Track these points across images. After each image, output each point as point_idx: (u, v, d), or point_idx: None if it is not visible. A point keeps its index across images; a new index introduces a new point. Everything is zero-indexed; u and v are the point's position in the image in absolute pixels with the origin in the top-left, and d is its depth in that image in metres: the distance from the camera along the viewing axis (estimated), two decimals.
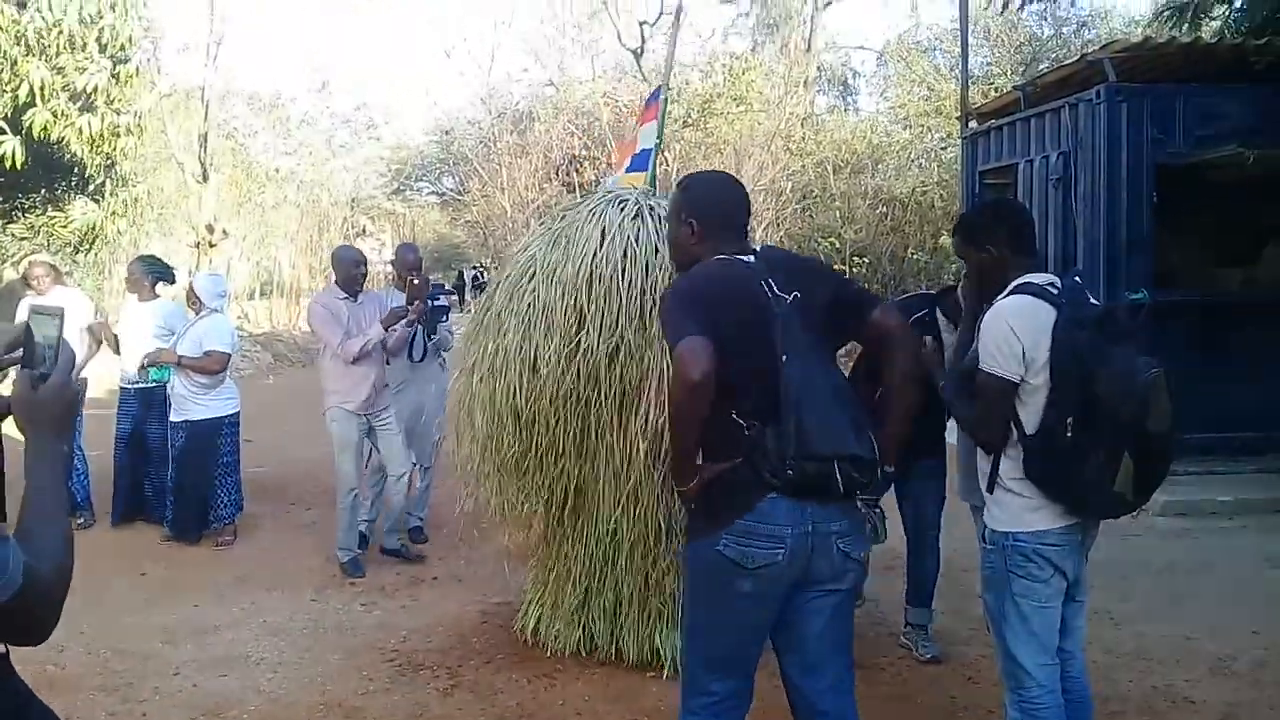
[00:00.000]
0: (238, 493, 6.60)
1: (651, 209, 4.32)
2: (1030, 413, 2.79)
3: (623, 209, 4.30)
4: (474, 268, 36.43)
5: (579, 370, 4.00)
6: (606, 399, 4.01)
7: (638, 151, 5.37)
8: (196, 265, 18.23)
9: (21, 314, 6.95)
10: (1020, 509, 2.85)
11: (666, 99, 5.20)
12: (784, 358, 2.48)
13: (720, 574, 2.54)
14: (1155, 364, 2.70)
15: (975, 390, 2.88)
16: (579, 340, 4.02)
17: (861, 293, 2.87)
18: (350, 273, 5.94)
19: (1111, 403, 2.65)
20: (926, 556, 4.55)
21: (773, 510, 2.49)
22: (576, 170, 20.88)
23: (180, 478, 6.41)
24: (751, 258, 2.67)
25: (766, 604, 2.58)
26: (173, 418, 6.43)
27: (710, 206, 2.78)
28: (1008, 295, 2.90)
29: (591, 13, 23.55)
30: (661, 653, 4.27)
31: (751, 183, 18.12)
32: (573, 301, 4.07)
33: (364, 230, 32.54)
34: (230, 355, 6.48)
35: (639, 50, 21.38)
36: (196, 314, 6.47)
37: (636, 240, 4.16)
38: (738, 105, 18.74)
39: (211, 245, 18.88)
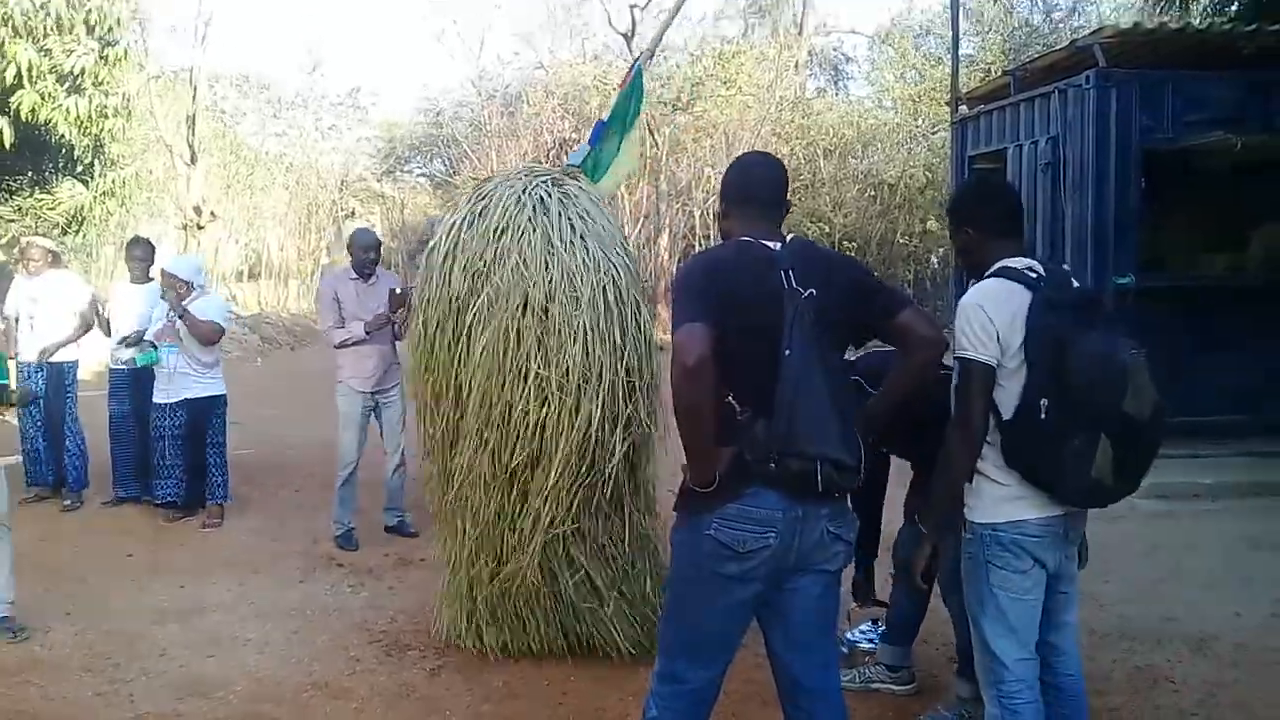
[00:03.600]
0: (226, 475, 6.60)
1: (551, 195, 4.13)
2: (1007, 397, 2.77)
3: (521, 195, 4.13)
4: None
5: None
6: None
7: (595, 124, 5.10)
8: (184, 247, 18.16)
9: (13, 295, 6.94)
10: (999, 498, 2.83)
11: (640, 71, 4.93)
12: (787, 351, 2.46)
13: (708, 557, 2.54)
14: (1136, 347, 2.69)
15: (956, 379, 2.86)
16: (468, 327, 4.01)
17: (886, 294, 2.74)
18: (360, 257, 6.11)
19: (1086, 385, 2.64)
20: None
21: (764, 496, 2.49)
22: (566, 153, 20.84)
23: (185, 455, 6.43)
24: (778, 245, 2.62)
25: (753, 588, 2.58)
26: (166, 399, 6.38)
27: (739, 186, 2.75)
28: (986, 279, 2.91)
29: None
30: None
31: None
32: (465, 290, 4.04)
33: (353, 212, 32.38)
34: (224, 330, 6.50)
35: (629, 34, 21.29)
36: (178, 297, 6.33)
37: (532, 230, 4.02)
38: (727, 89, 18.69)
39: (200, 227, 18.78)
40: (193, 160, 18.98)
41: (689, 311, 2.44)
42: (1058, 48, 9.07)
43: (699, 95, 18.92)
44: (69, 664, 4.31)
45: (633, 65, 5.14)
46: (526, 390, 3.88)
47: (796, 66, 20.48)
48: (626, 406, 3.94)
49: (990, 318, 2.75)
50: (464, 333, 4.02)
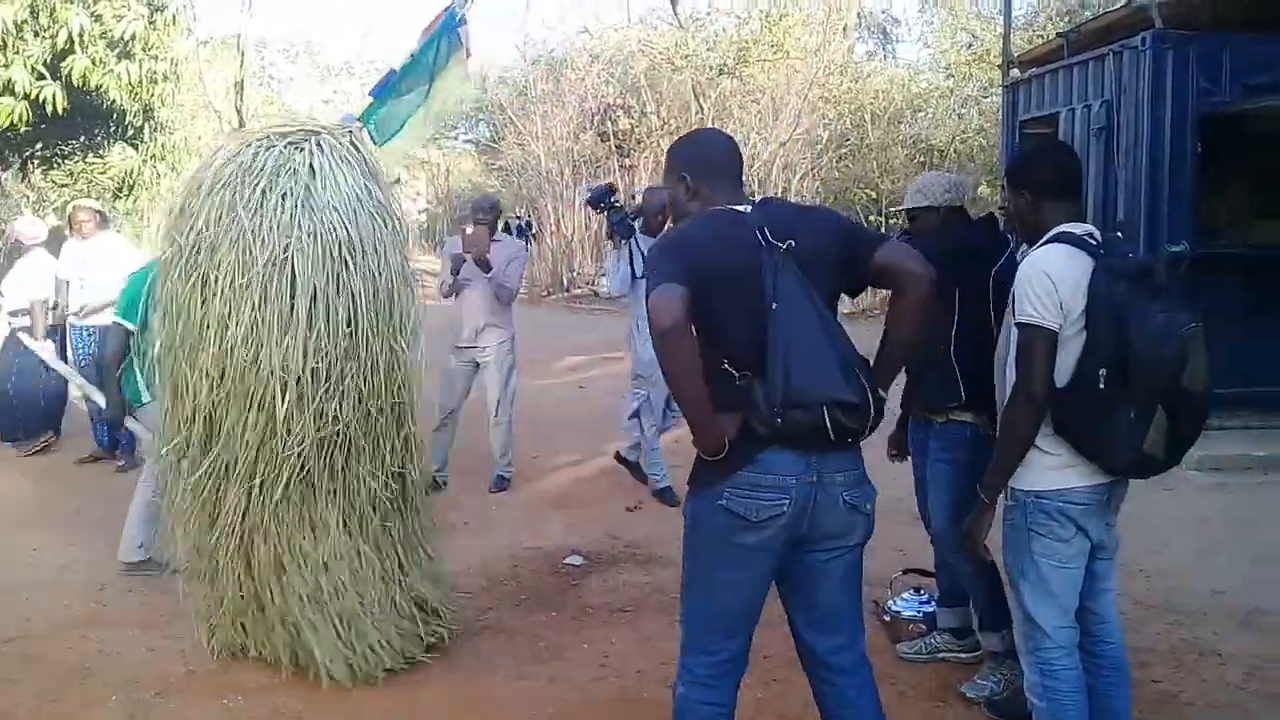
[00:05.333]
0: None
1: (264, 156, 3.67)
2: (1061, 366, 2.74)
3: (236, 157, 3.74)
4: (517, 217, 36.39)
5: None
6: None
7: (386, 72, 4.47)
8: None
9: (65, 258, 7.08)
10: (1046, 466, 2.80)
11: (454, 13, 4.23)
12: (773, 306, 2.43)
13: (723, 528, 2.52)
14: (1194, 319, 2.64)
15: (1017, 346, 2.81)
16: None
17: (865, 233, 2.78)
18: (471, 218, 6.48)
19: (1147, 358, 2.60)
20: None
21: (775, 461, 2.46)
22: (611, 119, 20.73)
23: None
24: (747, 207, 2.62)
25: (770, 557, 2.55)
26: None
27: (700, 161, 2.72)
28: (1044, 244, 2.86)
29: None
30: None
31: (787, 132, 17.94)
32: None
33: (398, 179, 32.57)
34: None
35: None
36: None
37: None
38: (775, 53, 18.45)
39: None
40: (240, 125, 19.15)
41: (661, 275, 2.42)
42: (1113, 8, 8.84)
43: (746, 60, 18.70)
44: (125, 620, 4.43)
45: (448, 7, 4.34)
46: (196, 378, 3.62)
47: (845, 30, 20.13)
48: (315, 402, 3.57)
49: (1054, 283, 2.71)
50: (176, 311, 3.73)
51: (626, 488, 6.49)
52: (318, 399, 3.58)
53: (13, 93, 9.52)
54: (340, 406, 3.63)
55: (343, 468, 3.73)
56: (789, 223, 2.55)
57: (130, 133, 11.80)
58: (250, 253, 3.52)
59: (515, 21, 27.92)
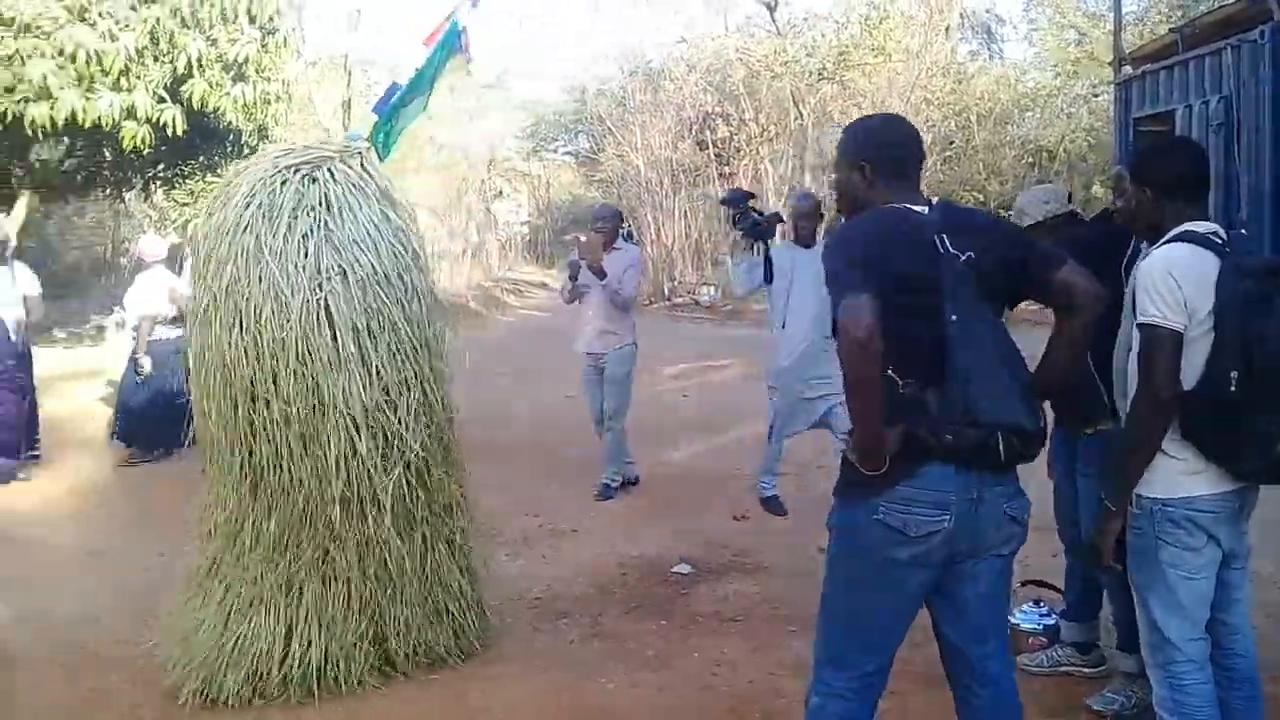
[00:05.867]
0: None
1: (285, 188, 3.69)
2: (1188, 368, 2.64)
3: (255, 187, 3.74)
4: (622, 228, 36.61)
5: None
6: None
7: (389, 86, 4.44)
8: None
9: (186, 275, 7.38)
10: (1174, 472, 2.69)
11: (456, 24, 4.15)
12: (952, 318, 2.38)
13: (877, 542, 2.45)
14: None
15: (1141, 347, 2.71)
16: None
17: (1044, 250, 2.63)
18: (592, 228, 6.62)
19: (1277, 358, 2.51)
20: None
21: (938, 476, 2.39)
22: (709, 128, 20.74)
23: None
24: (925, 209, 2.54)
25: (925, 574, 2.48)
26: None
27: (882, 149, 2.62)
28: (1166, 242, 2.76)
29: None
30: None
31: None
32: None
33: (500, 192, 33.10)
34: None
35: (773, 4, 20.99)
36: None
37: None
38: (876, 56, 18.25)
39: None
40: None
41: (851, 282, 2.33)
42: (1229, 2, 8.51)
43: (846, 64, 18.53)
44: None
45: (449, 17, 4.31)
46: (239, 421, 3.63)
47: (947, 30, 19.81)
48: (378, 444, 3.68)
49: (1178, 283, 2.62)
50: (202, 345, 3.73)
51: (732, 496, 6.46)
52: (386, 429, 3.70)
53: (135, 117, 9.95)
54: (407, 431, 3.74)
55: (412, 485, 3.84)
56: (969, 232, 2.49)
57: (246, 152, 12.22)
58: (284, 300, 3.57)
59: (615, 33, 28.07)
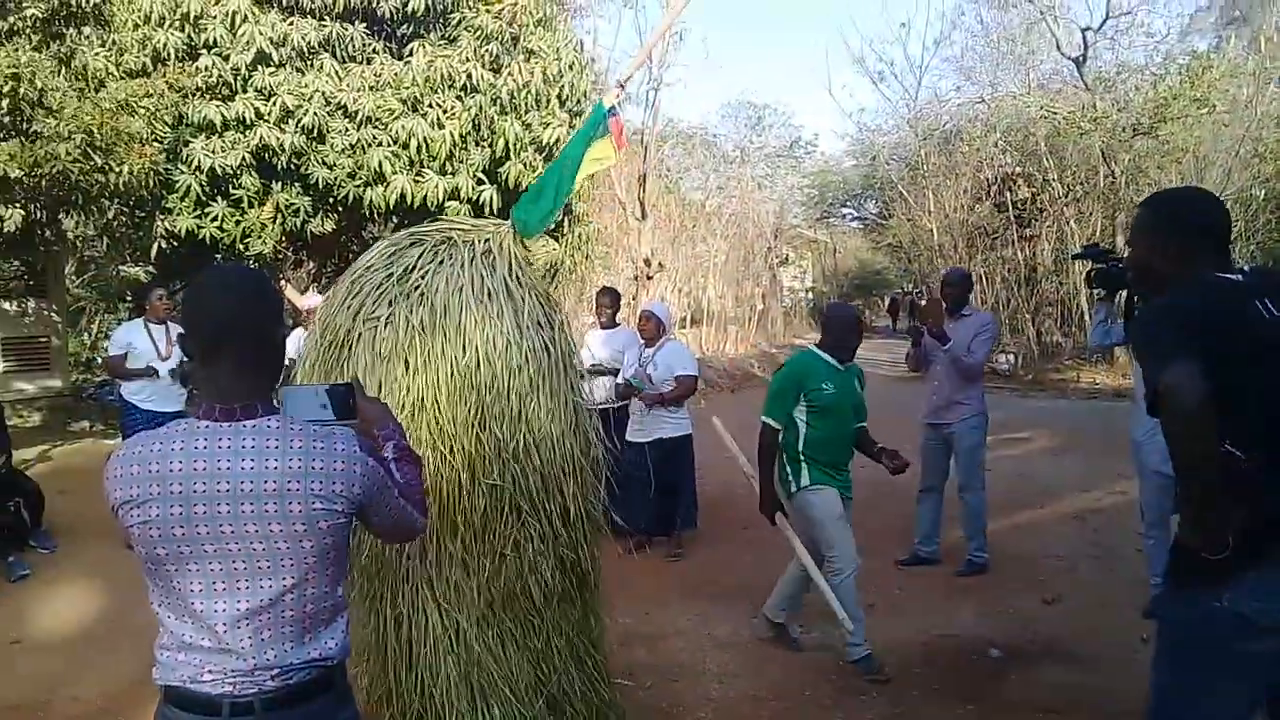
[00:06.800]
0: (693, 508, 7.00)
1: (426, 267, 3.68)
2: None
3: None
4: (906, 292, 36.11)
5: None
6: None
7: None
8: (635, 296, 19.60)
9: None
10: None
11: (600, 107, 4.11)
12: None
13: (1221, 631, 2.25)
14: None
15: None
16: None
17: None
18: (945, 292, 6.52)
19: None
20: None
21: None
22: (1009, 189, 19.97)
23: (655, 489, 6.81)
24: (1239, 277, 2.40)
25: (1272, 665, 2.25)
26: (640, 438, 6.82)
27: (1193, 223, 2.51)
28: None
29: (1028, 25, 22.43)
30: None
31: (1216, 191, 16.34)
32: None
33: (786, 259, 33.36)
34: (697, 377, 6.88)
35: (1080, 59, 20.02)
36: (647, 341, 6.89)
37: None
38: (1199, 108, 16.94)
39: (649, 278, 20.22)
40: (643, 216, 20.50)
41: (1173, 351, 2.20)
42: None
43: (1164, 117, 17.32)
44: None
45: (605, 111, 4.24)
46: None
47: None
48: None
49: None
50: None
51: (1040, 578, 6.06)
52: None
53: (458, 197, 10.80)
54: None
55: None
56: None
57: (552, 227, 12.99)
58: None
59: (907, 97, 27.74)
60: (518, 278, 3.80)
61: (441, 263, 3.74)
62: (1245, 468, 2.21)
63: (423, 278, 3.69)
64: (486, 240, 3.86)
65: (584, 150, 4.08)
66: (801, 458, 4.83)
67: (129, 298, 14.04)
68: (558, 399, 3.66)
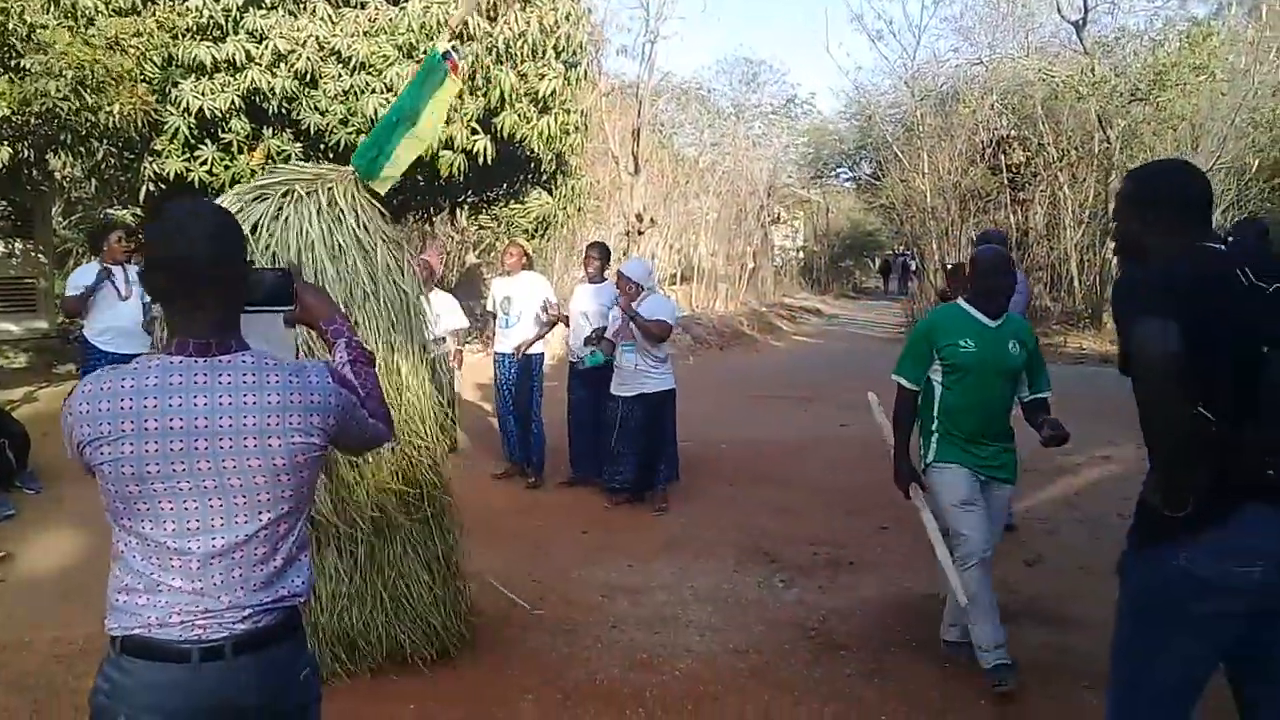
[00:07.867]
0: (675, 462, 7.02)
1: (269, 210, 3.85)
2: None
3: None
4: (898, 254, 36.15)
5: None
6: None
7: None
8: (625, 252, 19.55)
9: (493, 292, 7.85)
10: None
11: (435, 54, 4.09)
12: (1264, 349, 2.24)
13: (1178, 593, 2.30)
14: None
15: None
16: None
17: None
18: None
19: None
20: None
21: (1251, 521, 2.23)
22: (1004, 152, 19.90)
23: (639, 444, 6.88)
24: (1222, 246, 2.44)
25: (1229, 630, 2.30)
26: (624, 392, 6.86)
27: (1175, 195, 2.53)
28: None
29: None
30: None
31: (1210, 160, 16.34)
32: None
33: (778, 217, 33.23)
34: (672, 326, 6.85)
35: (1080, 22, 19.85)
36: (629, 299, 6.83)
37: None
38: (1197, 75, 16.86)
39: (640, 233, 20.14)
40: (636, 171, 20.38)
41: (1148, 310, 2.22)
42: None
43: (1162, 84, 17.23)
44: (540, 624, 4.77)
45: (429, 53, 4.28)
46: None
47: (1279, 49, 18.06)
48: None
49: None
50: None
51: (1024, 541, 6.12)
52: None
53: (452, 147, 10.70)
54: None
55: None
56: (1269, 263, 2.37)
57: (544, 179, 12.89)
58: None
59: (905, 57, 27.52)
60: (365, 226, 3.95)
61: (288, 219, 3.84)
62: (1214, 431, 2.24)
63: (271, 236, 3.79)
64: (330, 189, 3.95)
65: (419, 100, 4.12)
66: (934, 427, 4.24)
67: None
68: (414, 344, 4.00)
